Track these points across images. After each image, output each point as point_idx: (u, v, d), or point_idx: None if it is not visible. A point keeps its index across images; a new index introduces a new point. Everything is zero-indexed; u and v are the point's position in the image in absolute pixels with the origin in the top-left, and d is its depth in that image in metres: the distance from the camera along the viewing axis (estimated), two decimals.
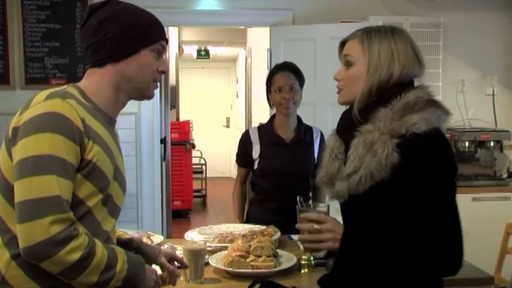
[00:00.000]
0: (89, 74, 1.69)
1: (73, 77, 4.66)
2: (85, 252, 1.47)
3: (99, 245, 1.52)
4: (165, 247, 2.45)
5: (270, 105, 3.23)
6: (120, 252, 1.59)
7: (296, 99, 3.09)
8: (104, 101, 1.66)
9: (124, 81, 1.67)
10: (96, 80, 1.67)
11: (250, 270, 2.22)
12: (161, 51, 1.71)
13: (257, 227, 2.79)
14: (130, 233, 2.72)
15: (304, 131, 3.16)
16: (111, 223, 1.68)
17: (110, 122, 1.69)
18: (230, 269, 2.24)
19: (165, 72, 1.74)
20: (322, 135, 3.18)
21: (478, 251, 4.05)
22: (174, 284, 1.93)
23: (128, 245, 1.86)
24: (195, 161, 8.70)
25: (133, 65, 1.66)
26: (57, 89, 1.60)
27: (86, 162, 1.53)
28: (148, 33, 1.68)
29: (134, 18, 1.67)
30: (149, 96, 1.74)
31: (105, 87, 1.66)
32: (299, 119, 3.20)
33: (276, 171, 3.05)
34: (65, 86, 1.64)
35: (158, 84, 1.76)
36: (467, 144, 4.62)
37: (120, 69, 1.66)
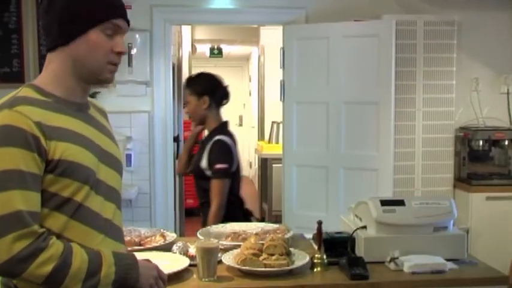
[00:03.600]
0: (47, 63, 1.62)
1: None
2: (58, 263, 1.42)
3: (77, 253, 1.46)
4: (179, 245, 2.46)
5: None
6: (107, 255, 1.52)
7: (190, 110, 3.34)
8: (64, 91, 1.58)
9: (78, 65, 1.58)
10: (53, 68, 1.59)
11: (263, 269, 2.22)
12: (116, 30, 1.60)
13: (270, 226, 2.80)
14: (143, 231, 2.74)
15: (210, 135, 3.29)
16: (111, 208, 1.62)
17: (79, 109, 1.62)
18: (243, 267, 2.24)
19: (122, 53, 1.62)
20: (215, 142, 3.19)
21: (492, 250, 4.04)
22: None
23: None
24: None
25: (82, 46, 1.56)
26: (5, 97, 1.52)
27: (54, 163, 1.47)
28: (96, 12, 1.57)
29: None
30: (105, 81, 1.63)
31: (63, 75, 1.58)
32: (223, 124, 3.36)
33: (191, 170, 3.37)
34: (19, 89, 1.56)
35: (118, 67, 1.64)
36: (481, 143, 4.60)
37: (70, 52, 1.57)
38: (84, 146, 1.54)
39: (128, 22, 1.65)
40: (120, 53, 1.61)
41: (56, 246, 1.44)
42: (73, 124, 1.55)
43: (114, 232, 1.62)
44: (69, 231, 1.51)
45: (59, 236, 1.48)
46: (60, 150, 1.48)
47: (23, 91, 1.54)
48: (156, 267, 1.67)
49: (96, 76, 1.60)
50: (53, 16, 1.56)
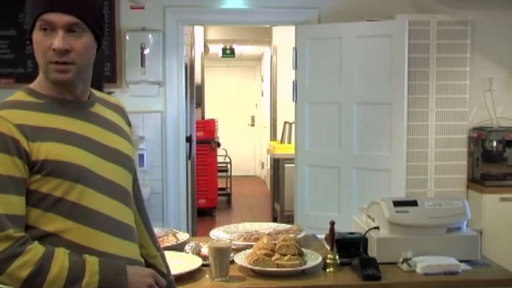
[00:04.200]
0: None
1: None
2: (34, 269, 1.39)
3: (57, 259, 1.42)
4: (192, 245, 2.47)
5: None
6: (91, 263, 1.46)
7: None
8: (53, 90, 1.55)
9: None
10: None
11: (275, 269, 2.22)
12: (51, 26, 1.49)
13: (282, 226, 2.80)
14: (155, 231, 2.74)
15: None
16: (116, 206, 1.58)
17: (77, 107, 1.58)
18: (255, 267, 2.24)
19: (57, 50, 1.48)
20: None
21: (505, 251, 4.02)
22: None
23: None
24: (220, 159, 8.71)
25: (34, 47, 1.54)
26: None
27: (39, 163, 1.45)
28: (31, 11, 1.53)
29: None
30: (52, 80, 1.53)
31: (42, 76, 1.55)
32: None
33: None
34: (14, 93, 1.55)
35: (64, 66, 1.50)
36: (495, 143, 4.57)
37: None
38: (76, 144, 1.52)
39: (76, 13, 1.50)
40: (56, 50, 1.48)
41: (33, 252, 1.41)
42: (66, 123, 1.53)
43: (121, 231, 1.59)
44: (69, 232, 1.48)
45: (58, 238, 1.47)
46: (45, 150, 1.46)
47: (16, 95, 1.54)
48: (152, 274, 1.59)
49: (46, 76, 1.54)
50: None
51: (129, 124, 1.78)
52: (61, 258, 1.43)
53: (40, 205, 1.47)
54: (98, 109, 1.65)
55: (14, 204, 1.43)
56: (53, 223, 1.47)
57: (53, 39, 1.48)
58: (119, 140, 1.65)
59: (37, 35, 1.51)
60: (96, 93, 1.69)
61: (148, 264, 1.72)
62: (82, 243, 1.49)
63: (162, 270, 1.79)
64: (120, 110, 1.76)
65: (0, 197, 1.41)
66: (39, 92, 1.55)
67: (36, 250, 1.42)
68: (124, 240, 1.59)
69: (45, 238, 1.46)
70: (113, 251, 1.54)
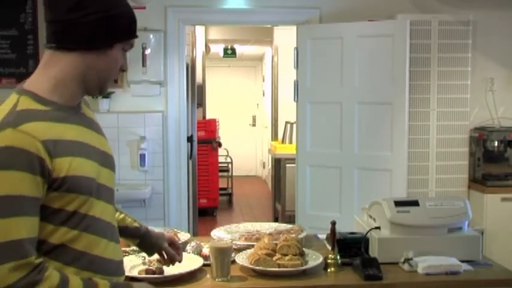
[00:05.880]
0: (48, 62, 1.53)
1: None
2: None
3: (73, 286, 1.41)
4: (193, 245, 2.47)
5: None
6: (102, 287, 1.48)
7: None
8: (64, 97, 1.51)
9: (90, 75, 1.52)
10: (57, 71, 1.51)
11: (276, 269, 2.22)
12: (129, 49, 1.60)
13: (283, 226, 2.80)
14: (156, 230, 2.74)
15: None
16: (110, 210, 1.61)
17: (75, 111, 1.56)
18: (256, 267, 2.24)
19: (125, 71, 1.64)
20: None
21: (507, 251, 4.01)
22: (173, 264, 2.07)
23: (135, 233, 1.95)
24: (221, 159, 8.71)
25: (103, 58, 1.52)
26: (5, 107, 1.44)
27: (60, 180, 1.42)
28: (127, 28, 1.55)
29: (118, 7, 1.52)
30: (104, 93, 1.64)
31: (68, 80, 1.51)
32: None
33: None
34: (15, 98, 1.46)
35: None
36: (496, 143, 4.57)
37: (88, 60, 1.51)
38: (86, 155, 1.50)
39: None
40: (123, 71, 1.62)
41: (50, 280, 1.39)
42: (74, 132, 1.51)
43: (114, 234, 1.62)
44: (73, 242, 1.48)
45: (64, 248, 1.46)
46: (65, 166, 1.43)
47: (22, 102, 1.45)
48: None
49: (101, 89, 1.58)
50: (86, 18, 1.47)
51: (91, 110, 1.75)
52: (75, 284, 1.42)
53: (52, 220, 1.44)
54: (85, 110, 1.64)
55: (34, 226, 1.40)
56: (62, 236, 1.46)
57: (123, 60, 1.59)
58: (104, 142, 1.65)
59: (118, 53, 1.56)
60: None
61: (120, 228, 1.77)
62: (85, 251, 1.49)
63: (135, 226, 1.93)
64: (88, 103, 1.71)
65: (24, 220, 1.37)
66: (45, 98, 1.48)
67: (53, 278, 1.40)
68: (116, 244, 1.63)
69: (53, 250, 1.45)
70: (110, 256, 1.57)
